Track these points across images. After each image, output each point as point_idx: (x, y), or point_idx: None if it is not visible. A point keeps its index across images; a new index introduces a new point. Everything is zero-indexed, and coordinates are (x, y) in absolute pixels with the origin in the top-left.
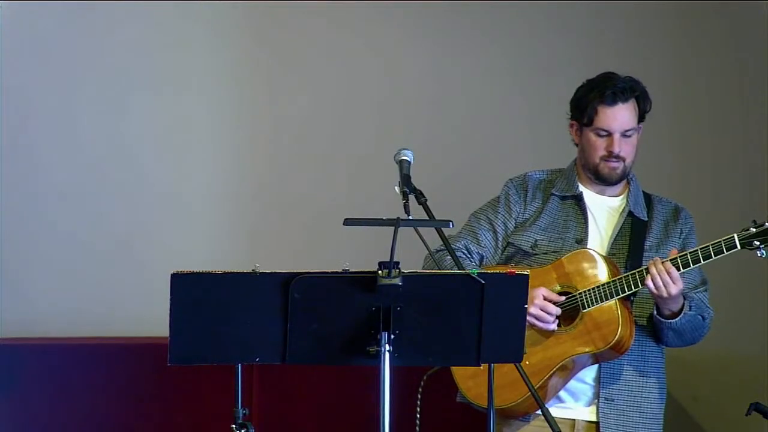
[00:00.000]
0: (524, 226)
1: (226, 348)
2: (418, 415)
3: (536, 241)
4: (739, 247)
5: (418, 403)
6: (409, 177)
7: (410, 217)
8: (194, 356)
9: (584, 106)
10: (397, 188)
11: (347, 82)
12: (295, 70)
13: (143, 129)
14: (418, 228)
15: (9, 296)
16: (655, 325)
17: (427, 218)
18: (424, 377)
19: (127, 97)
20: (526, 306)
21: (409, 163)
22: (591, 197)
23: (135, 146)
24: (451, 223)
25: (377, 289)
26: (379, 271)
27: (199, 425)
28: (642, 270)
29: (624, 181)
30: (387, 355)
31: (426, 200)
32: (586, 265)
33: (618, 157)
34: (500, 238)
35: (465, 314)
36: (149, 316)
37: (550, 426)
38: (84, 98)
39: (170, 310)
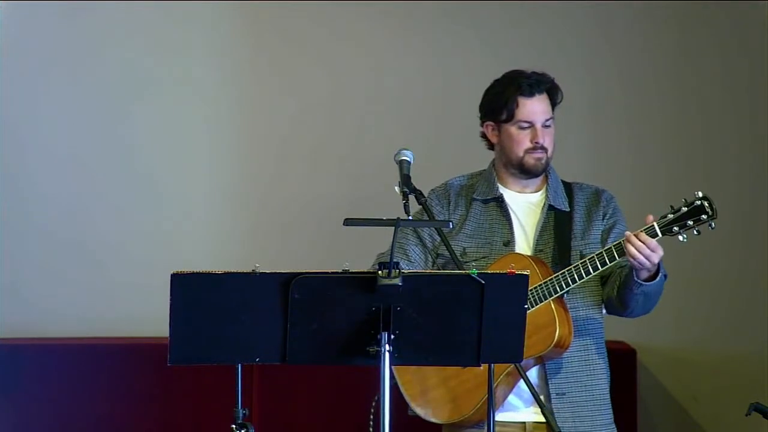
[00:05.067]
0: (451, 236)
1: (226, 348)
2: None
3: (465, 249)
4: (660, 234)
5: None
6: (409, 177)
7: (410, 218)
8: (194, 356)
9: (503, 103)
10: (397, 188)
11: (346, 83)
12: (294, 73)
13: (143, 129)
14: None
15: (9, 296)
16: (627, 290)
17: (427, 218)
18: (373, 402)
19: (126, 98)
20: (526, 306)
21: (409, 163)
22: (512, 197)
23: (134, 147)
24: (450, 223)
25: (377, 289)
26: (379, 271)
27: (199, 425)
28: (571, 269)
29: (543, 176)
30: (387, 355)
31: (426, 200)
32: (516, 268)
33: (542, 148)
34: (429, 251)
35: (465, 314)
36: (149, 316)
37: (550, 425)
38: (83, 98)
39: (170, 310)
